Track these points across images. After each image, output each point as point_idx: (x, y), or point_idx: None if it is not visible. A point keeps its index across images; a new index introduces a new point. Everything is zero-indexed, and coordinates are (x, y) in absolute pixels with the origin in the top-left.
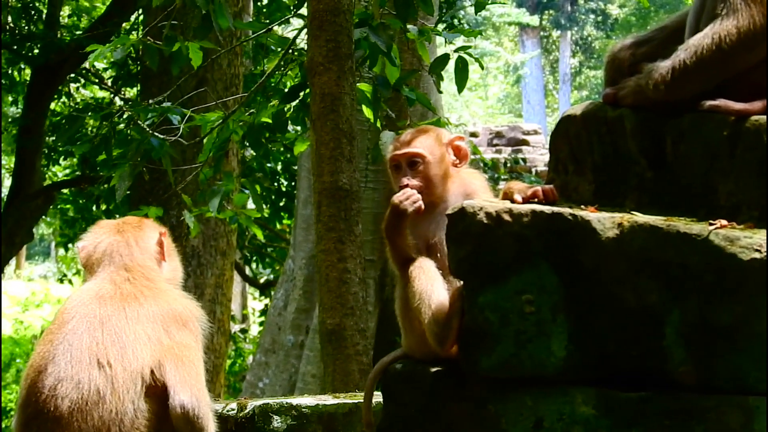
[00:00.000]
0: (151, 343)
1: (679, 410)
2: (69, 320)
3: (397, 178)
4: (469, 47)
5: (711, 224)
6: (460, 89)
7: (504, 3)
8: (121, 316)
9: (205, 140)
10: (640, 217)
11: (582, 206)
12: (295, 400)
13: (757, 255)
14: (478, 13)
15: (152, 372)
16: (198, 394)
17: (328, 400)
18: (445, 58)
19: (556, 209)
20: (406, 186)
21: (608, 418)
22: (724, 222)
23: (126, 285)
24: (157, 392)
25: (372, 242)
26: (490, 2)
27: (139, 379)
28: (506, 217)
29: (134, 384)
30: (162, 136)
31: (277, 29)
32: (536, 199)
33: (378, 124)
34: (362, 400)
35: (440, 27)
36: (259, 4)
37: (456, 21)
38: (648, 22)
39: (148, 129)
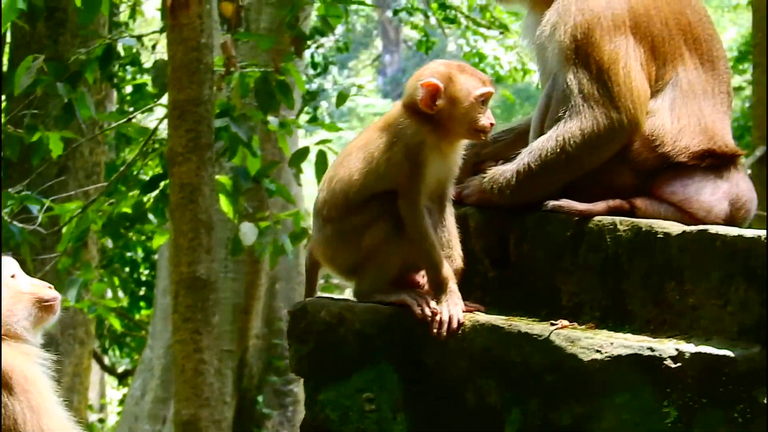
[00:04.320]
0: None
1: None
2: None
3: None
4: (330, 141)
5: (552, 324)
6: (320, 182)
7: (367, 95)
8: None
9: (64, 230)
10: (482, 317)
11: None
12: None
13: (597, 356)
14: (340, 106)
15: None
16: None
17: None
18: (305, 151)
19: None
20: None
21: None
22: (565, 322)
23: None
24: None
25: (231, 332)
26: (351, 95)
27: None
28: (348, 315)
29: None
30: (21, 225)
31: (141, 118)
32: None
33: (235, 219)
34: None
35: (302, 119)
36: (122, 92)
37: (318, 112)
38: (513, 116)
39: (7, 218)
